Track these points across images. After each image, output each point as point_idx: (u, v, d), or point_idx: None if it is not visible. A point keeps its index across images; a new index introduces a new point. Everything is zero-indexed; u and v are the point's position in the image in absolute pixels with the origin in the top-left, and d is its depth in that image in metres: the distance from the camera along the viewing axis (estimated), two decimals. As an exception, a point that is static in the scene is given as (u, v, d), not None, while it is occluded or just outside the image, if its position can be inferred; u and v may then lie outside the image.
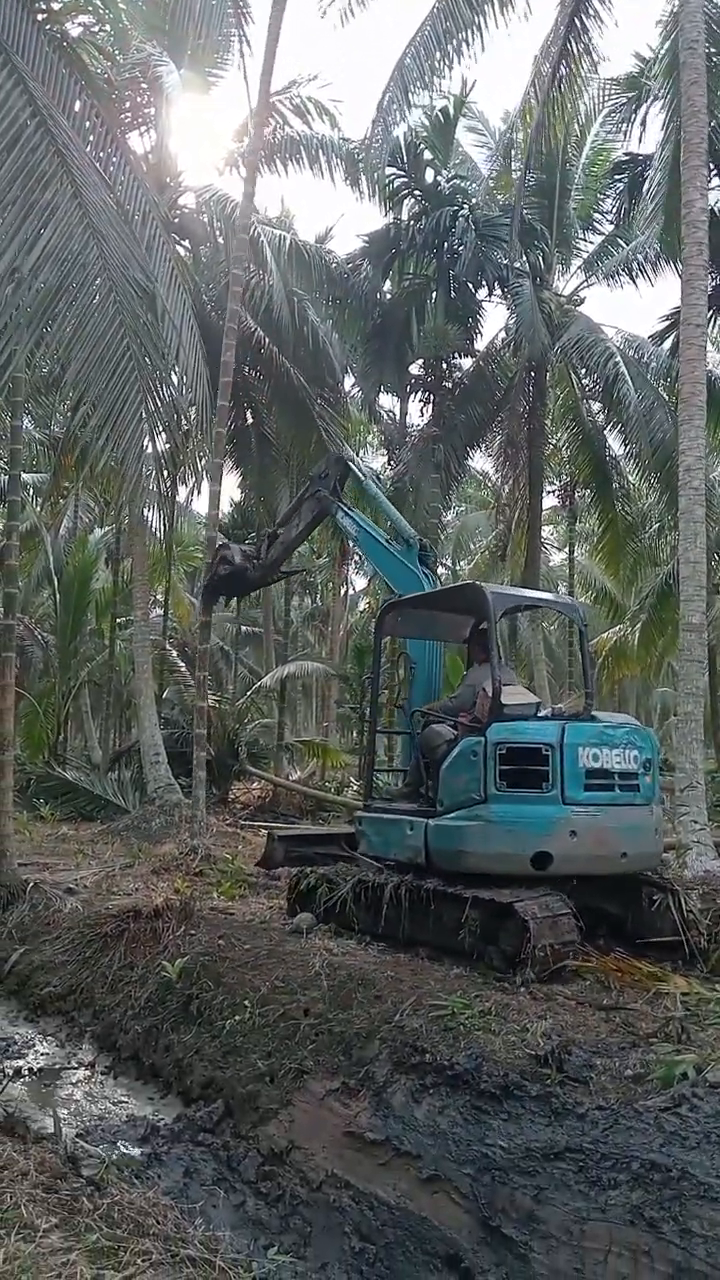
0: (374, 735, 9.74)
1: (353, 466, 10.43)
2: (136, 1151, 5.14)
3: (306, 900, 8.50)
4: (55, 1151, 4.57)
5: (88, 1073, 7.09)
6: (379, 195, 19.03)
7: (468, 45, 13.02)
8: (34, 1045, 7.64)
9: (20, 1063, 7.14)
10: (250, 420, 20.41)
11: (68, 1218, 3.77)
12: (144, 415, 7.42)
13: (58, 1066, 7.18)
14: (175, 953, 7.57)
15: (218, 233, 17.70)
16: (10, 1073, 6.83)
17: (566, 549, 28.56)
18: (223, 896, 9.73)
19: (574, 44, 13.61)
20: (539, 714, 7.58)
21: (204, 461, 19.54)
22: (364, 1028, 5.69)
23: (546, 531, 26.92)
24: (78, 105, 9.84)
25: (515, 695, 7.52)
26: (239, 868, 11.03)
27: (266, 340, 18.54)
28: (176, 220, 17.63)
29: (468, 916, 6.67)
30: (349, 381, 22.77)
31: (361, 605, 39.84)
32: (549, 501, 25.21)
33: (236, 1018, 6.41)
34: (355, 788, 19.15)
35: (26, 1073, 6.96)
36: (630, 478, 21.47)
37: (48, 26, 11.42)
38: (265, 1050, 6.00)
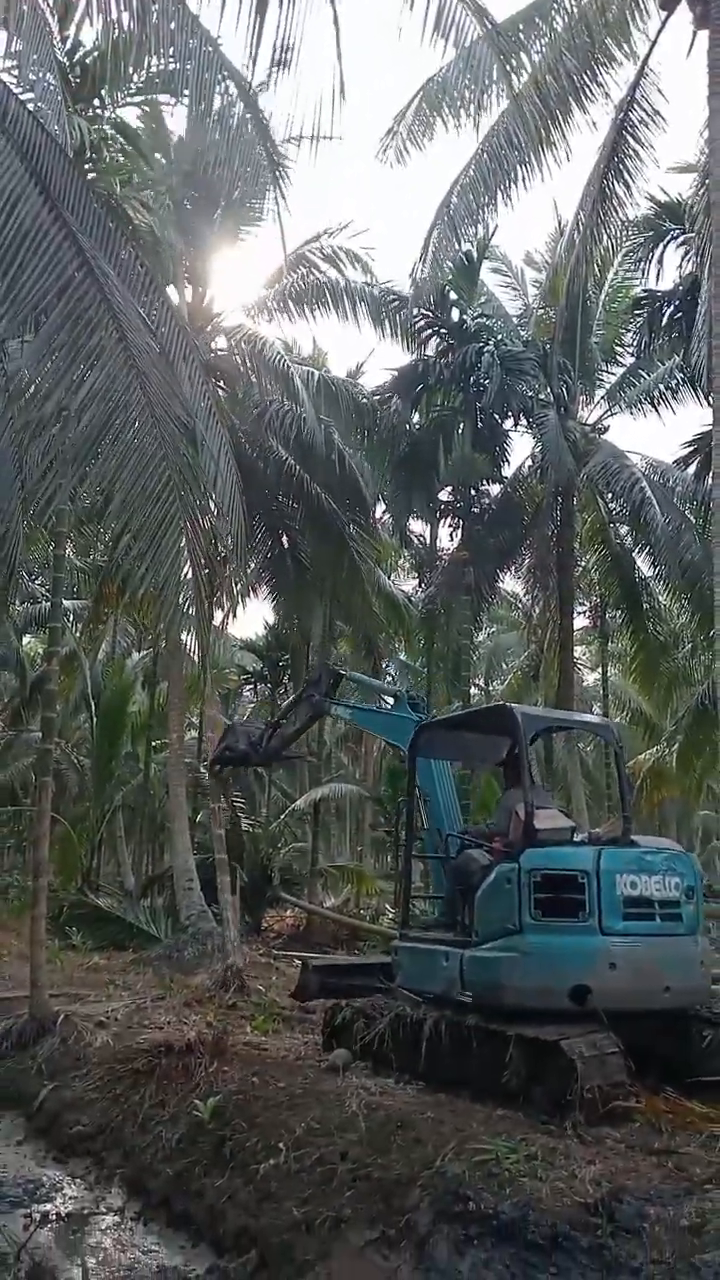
0: (409, 861, 9.60)
1: (343, 673, 11.86)
2: (167, 1307, 4.90)
3: (342, 1035, 8.27)
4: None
5: (117, 1219, 6.81)
6: (404, 336, 19.88)
7: (513, 187, 13.58)
8: (62, 1188, 7.36)
9: (48, 1207, 6.89)
10: (286, 545, 20.87)
11: None
12: (183, 544, 7.60)
13: (86, 1211, 6.91)
14: (208, 1090, 7.34)
15: (250, 371, 18.48)
16: (38, 1218, 6.59)
17: (600, 669, 28.51)
18: (256, 1030, 9.49)
19: (613, 185, 14.27)
20: (575, 839, 7.46)
21: (239, 586, 19.96)
22: (404, 1173, 5.45)
23: (579, 651, 26.91)
24: (123, 254, 10.44)
25: (550, 819, 7.42)
26: (272, 1000, 10.79)
27: (299, 468, 19.12)
28: (211, 359, 18.49)
29: (511, 1055, 6.42)
30: (379, 508, 23.34)
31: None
32: (580, 622, 25.30)
33: (271, 1161, 6.16)
34: (391, 915, 18.76)
35: (54, 1218, 6.71)
36: (661, 598, 21.57)
37: (98, 186, 12.33)
38: (301, 1197, 5.75)
